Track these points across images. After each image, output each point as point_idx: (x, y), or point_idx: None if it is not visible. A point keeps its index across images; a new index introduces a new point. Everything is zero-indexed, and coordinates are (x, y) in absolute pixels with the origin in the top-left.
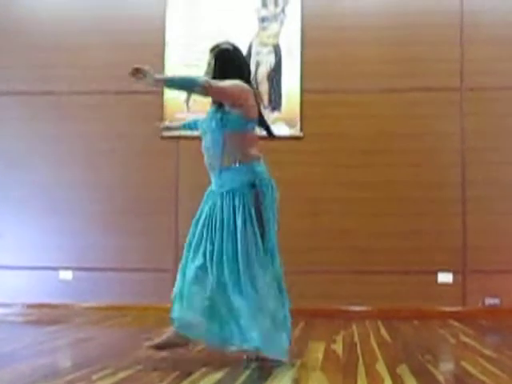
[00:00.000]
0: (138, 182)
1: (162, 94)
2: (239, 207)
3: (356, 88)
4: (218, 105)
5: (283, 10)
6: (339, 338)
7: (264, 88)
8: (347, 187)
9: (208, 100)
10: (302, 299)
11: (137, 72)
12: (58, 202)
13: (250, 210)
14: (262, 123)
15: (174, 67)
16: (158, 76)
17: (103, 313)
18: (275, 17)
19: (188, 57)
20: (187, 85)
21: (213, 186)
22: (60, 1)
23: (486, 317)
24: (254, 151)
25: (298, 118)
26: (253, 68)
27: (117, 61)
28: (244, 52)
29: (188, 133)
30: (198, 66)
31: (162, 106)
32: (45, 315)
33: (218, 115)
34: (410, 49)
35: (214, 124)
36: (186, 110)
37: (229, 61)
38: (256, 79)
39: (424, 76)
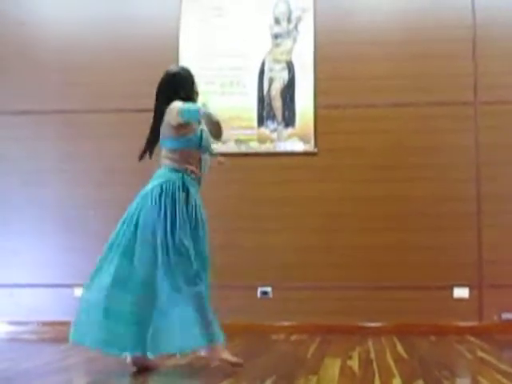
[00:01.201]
0: None
1: None
2: None
3: (370, 103)
4: None
5: (296, 27)
6: (355, 354)
7: (277, 104)
8: (362, 202)
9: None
10: (318, 315)
11: None
12: (73, 219)
13: None
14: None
15: None
16: None
17: None
18: (288, 33)
19: (202, 74)
20: None
21: None
22: (73, 19)
23: (502, 331)
24: None
25: (312, 134)
26: (266, 84)
27: (130, 79)
28: (257, 69)
29: None
30: (212, 83)
31: None
32: (60, 333)
33: None
34: (423, 63)
35: None
36: None
37: None
38: (269, 95)
39: (437, 90)
